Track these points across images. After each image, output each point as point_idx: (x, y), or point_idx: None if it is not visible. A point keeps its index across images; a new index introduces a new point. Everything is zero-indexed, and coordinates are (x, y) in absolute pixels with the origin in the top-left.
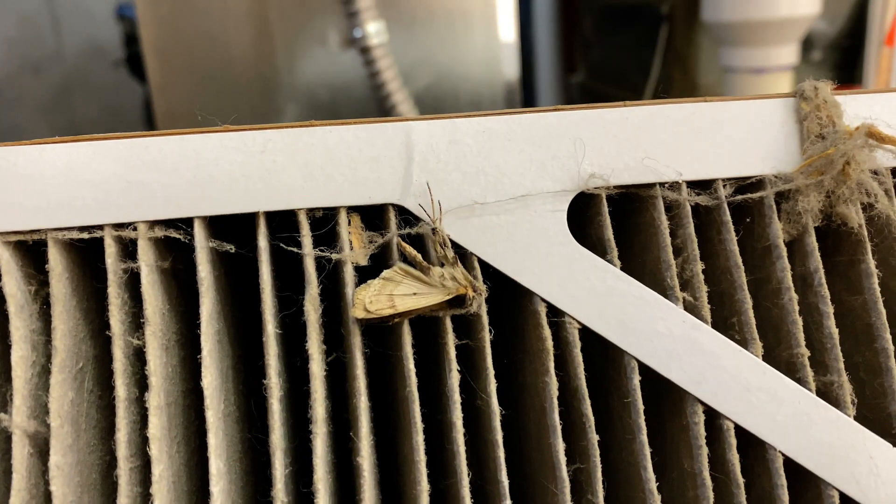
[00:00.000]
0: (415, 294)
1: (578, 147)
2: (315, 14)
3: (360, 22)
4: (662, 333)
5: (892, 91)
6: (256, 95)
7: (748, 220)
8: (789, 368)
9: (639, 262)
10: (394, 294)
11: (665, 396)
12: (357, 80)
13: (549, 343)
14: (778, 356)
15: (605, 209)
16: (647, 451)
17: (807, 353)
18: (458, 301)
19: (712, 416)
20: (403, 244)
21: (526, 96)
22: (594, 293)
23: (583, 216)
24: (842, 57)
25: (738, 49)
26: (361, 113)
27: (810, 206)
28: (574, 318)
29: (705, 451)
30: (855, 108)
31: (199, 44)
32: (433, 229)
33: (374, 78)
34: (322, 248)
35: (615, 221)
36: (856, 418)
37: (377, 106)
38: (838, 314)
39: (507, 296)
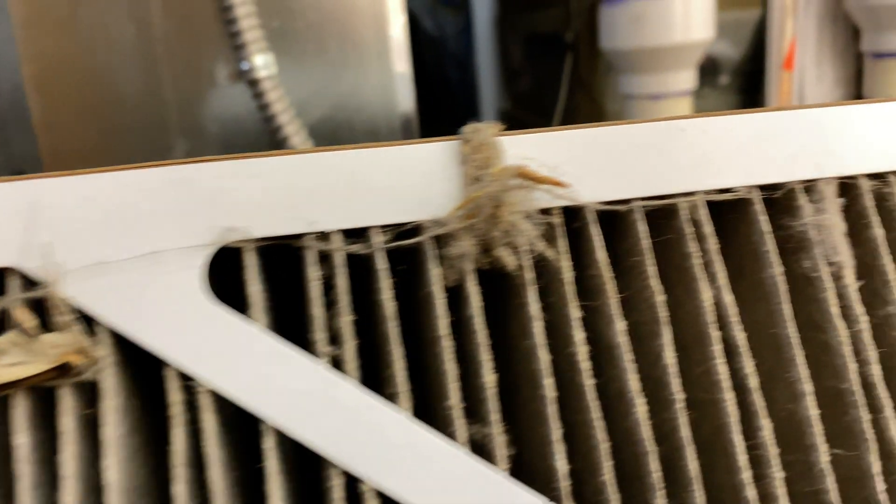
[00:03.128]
0: (18, 363)
1: (218, 199)
2: (202, 48)
3: (247, 55)
4: (299, 392)
5: (555, 131)
6: (145, 132)
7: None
8: (445, 422)
9: (300, 313)
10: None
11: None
12: (248, 113)
13: (178, 409)
14: (435, 409)
15: (252, 262)
16: None
17: (459, 405)
18: (67, 369)
19: (353, 480)
20: (17, 310)
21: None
22: (225, 353)
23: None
24: (746, 81)
25: (635, 76)
26: (254, 146)
27: (465, 251)
28: (203, 382)
29: None
30: (521, 150)
31: (83, 80)
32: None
33: (264, 110)
34: None
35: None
36: (518, 470)
37: (269, 139)
38: (514, 360)
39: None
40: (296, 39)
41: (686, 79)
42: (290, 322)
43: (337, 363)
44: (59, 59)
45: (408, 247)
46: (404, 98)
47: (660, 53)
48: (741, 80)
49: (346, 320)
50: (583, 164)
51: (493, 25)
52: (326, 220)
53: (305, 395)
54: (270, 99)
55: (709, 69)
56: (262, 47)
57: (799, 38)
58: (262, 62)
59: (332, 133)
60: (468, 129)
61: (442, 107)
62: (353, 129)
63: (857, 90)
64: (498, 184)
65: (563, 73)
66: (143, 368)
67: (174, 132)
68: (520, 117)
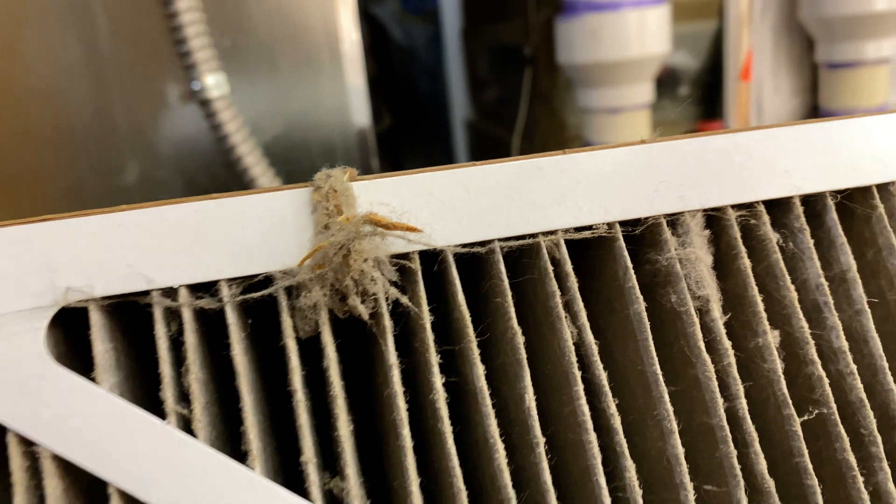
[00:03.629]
0: None
1: (57, 259)
2: (152, 68)
3: (198, 75)
4: (143, 453)
5: (410, 174)
6: (96, 154)
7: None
8: (301, 478)
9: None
10: None
11: None
12: (200, 133)
13: (19, 475)
14: (295, 464)
15: (98, 322)
16: None
17: (313, 459)
18: None
19: None
20: None
21: (445, 138)
22: (68, 416)
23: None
24: (706, 92)
25: (593, 90)
26: (207, 167)
27: (316, 301)
28: (46, 447)
29: None
30: (375, 195)
31: (30, 102)
32: None
33: (216, 130)
34: None
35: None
36: None
37: (222, 159)
38: (379, 409)
39: None
40: (248, 58)
41: (643, 92)
42: (148, 382)
43: (186, 422)
44: (4, 81)
45: (262, 299)
46: (359, 113)
47: (616, 67)
48: (700, 92)
49: (194, 378)
50: (440, 207)
51: (462, 36)
52: (170, 275)
53: (150, 457)
54: (223, 119)
55: (667, 81)
56: (214, 67)
57: (755, 49)
58: (213, 82)
59: (286, 151)
60: (319, 175)
61: (412, 116)
62: (308, 147)
63: (813, 100)
64: (345, 232)
65: (524, 86)
66: None
67: (125, 154)
68: (485, 129)
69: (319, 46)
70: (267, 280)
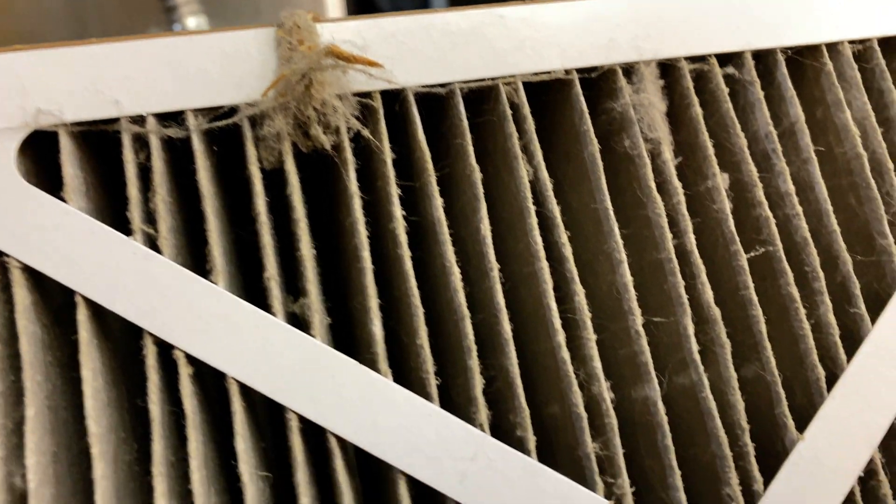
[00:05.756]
0: None
1: (30, 86)
2: (133, 12)
3: (179, 17)
4: (110, 265)
5: (374, 17)
6: None
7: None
8: (265, 294)
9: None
10: None
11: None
12: None
13: None
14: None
15: (67, 146)
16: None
17: (276, 276)
18: None
19: (166, 348)
20: None
21: None
22: (36, 230)
23: None
24: None
25: None
26: None
27: (278, 130)
28: (15, 258)
29: (158, 384)
30: (339, 35)
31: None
32: None
33: None
34: None
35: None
36: (346, 341)
37: None
38: (341, 240)
39: None
40: (229, 1)
41: None
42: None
43: (152, 240)
44: None
45: (226, 129)
46: None
47: None
48: None
49: (160, 199)
50: (403, 49)
51: (448, 3)
52: (139, 104)
53: (115, 269)
54: None
55: None
56: (195, 10)
57: None
58: (194, 24)
59: None
60: (284, 13)
61: None
62: None
63: None
64: (307, 61)
65: None
66: None
67: None
68: None
69: None
70: (232, 111)
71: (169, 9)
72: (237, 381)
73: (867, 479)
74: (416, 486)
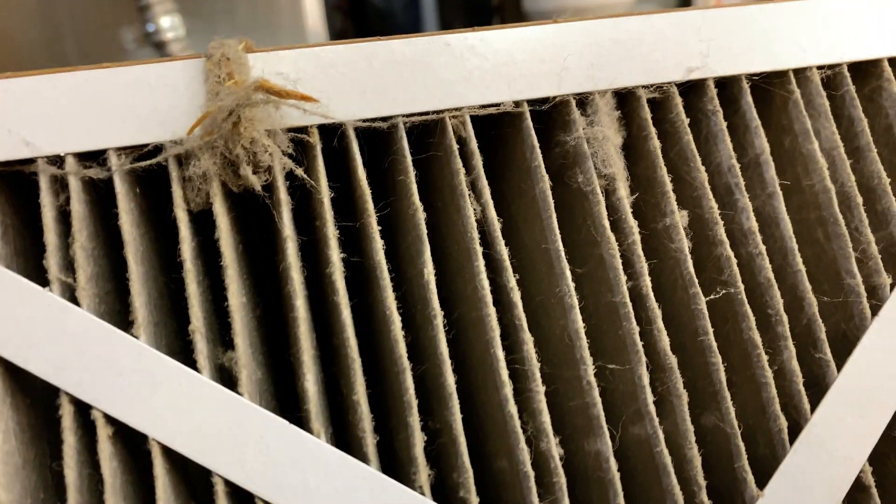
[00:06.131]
0: None
1: None
2: (106, 11)
3: (152, 17)
4: (23, 320)
5: (310, 47)
6: None
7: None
8: (190, 347)
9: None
10: None
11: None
12: None
13: None
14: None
15: None
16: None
17: (201, 329)
18: None
19: (84, 408)
20: None
21: None
22: None
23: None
24: None
25: None
26: None
27: (205, 170)
28: None
29: (75, 446)
30: (272, 66)
31: None
32: None
33: None
34: None
35: None
36: (283, 399)
37: None
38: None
39: None
40: (204, 0)
41: None
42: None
43: (71, 291)
44: None
45: (157, 175)
46: None
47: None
48: None
49: (79, 246)
50: (343, 80)
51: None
52: (57, 143)
53: (30, 324)
54: None
55: None
56: (169, 8)
57: None
58: (168, 24)
59: None
60: (213, 44)
61: None
62: None
63: None
64: (234, 96)
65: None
66: None
67: None
68: None
69: None
70: (157, 150)
71: (142, 8)
72: (159, 443)
73: None
74: None
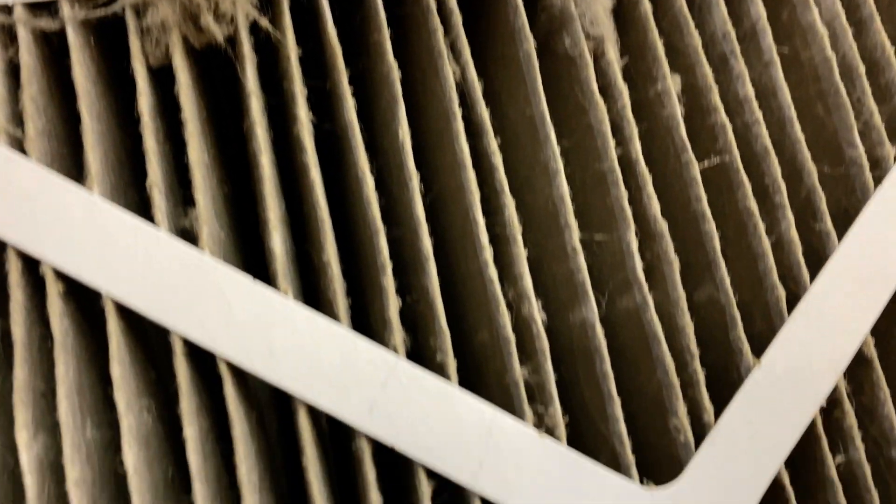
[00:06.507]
0: None
1: None
2: None
3: None
4: None
5: None
6: None
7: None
8: (146, 204)
9: None
10: None
11: None
12: None
13: None
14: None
15: None
16: None
17: (159, 184)
18: None
19: (33, 264)
20: None
21: None
22: None
23: None
24: None
25: None
26: None
27: (163, 20)
28: None
29: (23, 303)
30: None
31: None
32: None
33: None
34: None
35: None
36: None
37: None
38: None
39: None
40: None
41: None
42: None
43: (19, 143)
44: None
45: (110, 23)
46: None
47: None
48: None
49: (29, 97)
50: None
51: None
52: None
53: None
54: None
55: None
56: None
57: None
58: None
59: None
60: None
61: None
62: None
63: None
64: None
65: None
66: None
67: None
68: None
69: None
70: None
71: None
72: (113, 300)
73: (830, 409)
74: (321, 417)
